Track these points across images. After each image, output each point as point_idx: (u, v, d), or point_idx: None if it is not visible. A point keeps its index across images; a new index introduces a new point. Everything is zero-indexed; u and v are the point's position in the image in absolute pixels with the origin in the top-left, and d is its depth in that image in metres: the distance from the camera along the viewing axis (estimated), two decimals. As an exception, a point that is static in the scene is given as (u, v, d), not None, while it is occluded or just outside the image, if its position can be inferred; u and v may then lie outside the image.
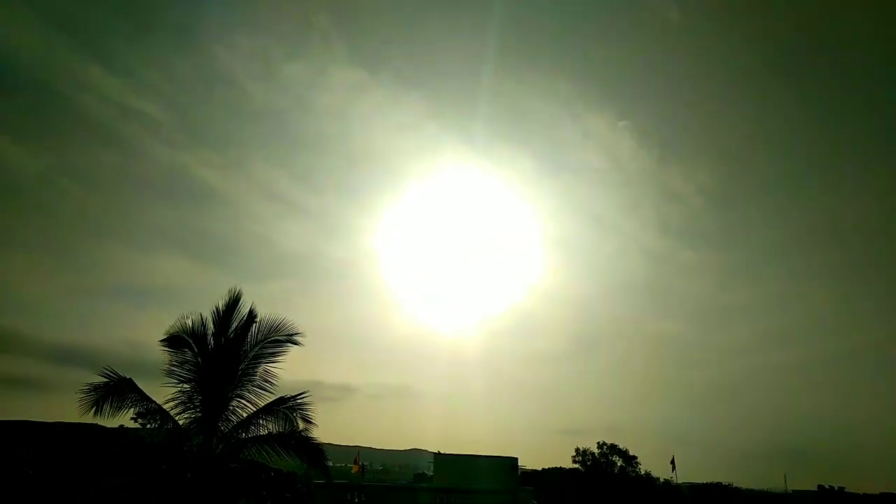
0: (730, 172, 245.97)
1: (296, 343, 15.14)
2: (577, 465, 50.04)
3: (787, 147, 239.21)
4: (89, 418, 13.47)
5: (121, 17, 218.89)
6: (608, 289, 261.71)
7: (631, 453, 50.62)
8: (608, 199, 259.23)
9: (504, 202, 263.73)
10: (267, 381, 14.96)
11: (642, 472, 49.79)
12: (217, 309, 15.09)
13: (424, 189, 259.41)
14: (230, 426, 14.46)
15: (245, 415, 14.60)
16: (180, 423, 14.26)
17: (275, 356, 15.10)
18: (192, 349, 14.61)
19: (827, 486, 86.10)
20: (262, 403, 14.74)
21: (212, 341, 14.81)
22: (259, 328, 15.06)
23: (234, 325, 15.00)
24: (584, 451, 50.81)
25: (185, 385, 14.44)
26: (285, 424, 14.52)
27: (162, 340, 14.61)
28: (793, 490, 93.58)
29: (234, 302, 15.13)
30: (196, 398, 14.38)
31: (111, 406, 13.61)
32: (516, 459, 39.78)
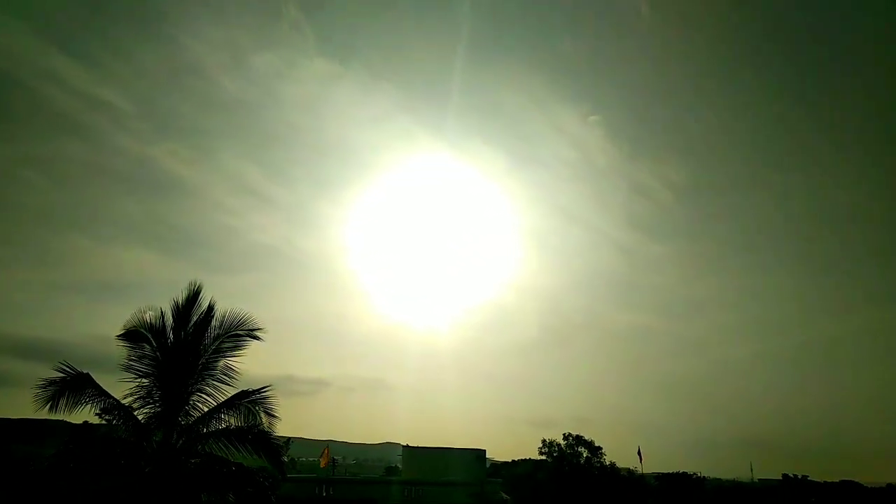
0: (697, 167, 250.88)
1: (256, 338, 15.13)
2: (543, 457, 50.79)
3: (753, 142, 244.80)
4: (44, 414, 13.32)
5: (85, 6, 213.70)
6: (578, 281, 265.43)
7: (596, 444, 51.33)
8: (579, 192, 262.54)
9: (476, 194, 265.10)
10: (227, 375, 14.92)
11: (607, 463, 50.70)
12: (176, 303, 14.99)
13: (396, 181, 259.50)
14: (190, 421, 14.39)
15: (206, 409, 14.54)
16: (139, 418, 14.19)
17: (235, 350, 15.05)
18: (150, 343, 14.49)
19: (791, 475, 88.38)
20: (223, 398, 14.68)
21: (171, 335, 14.69)
22: (219, 322, 15.01)
23: (193, 319, 14.90)
24: (551, 443, 51.15)
25: (144, 380, 14.32)
26: (248, 419, 14.51)
27: (119, 335, 14.50)
28: (759, 479, 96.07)
29: (193, 295, 15.04)
30: (155, 393, 14.27)
31: (67, 402, 13.48)
32: (484, 452, 40.28)
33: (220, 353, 14.95)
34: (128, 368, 14.36)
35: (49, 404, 13.24)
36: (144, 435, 14.09)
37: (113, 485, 13.63)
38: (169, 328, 14.77)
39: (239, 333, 14.99)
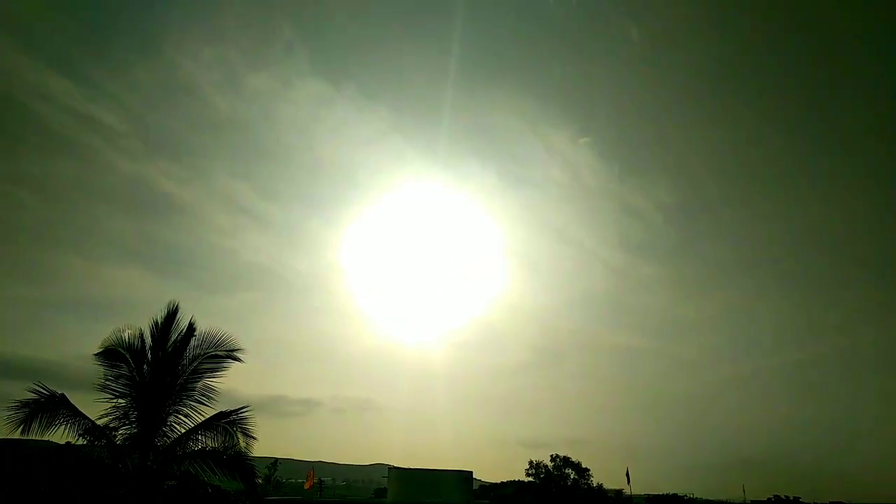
0: (687, 188, 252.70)
1: (236, 359, 15.03)
2: (531, 479, 50.35)
3: (743, 163, 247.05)
4: (17, 435, 13.08)
5: (79, 25, 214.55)
6: (570, 302, 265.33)
7: (584, 466, 51.06)
8: (570, 213, 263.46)
9: (468, 216, 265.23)
10: (206, 395, 14.75)
11: (594, 485, 50.30)
12: (155, 322, 14.89)
13: (389, 202, 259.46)
14: (168, 442, 14.20)
15: (183, 430, 14.35)
16: (115, 439, 13.98)
17: (215, 371, 14.93)
18: (128, 363, 14.32)
19: (783, 497, 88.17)
20: (201, 418, 14.50)
21: (149, 355, 14.56)
22: (199, 342, 14.90)
23: (172, 339, 14.80)
24: (538, 464, 50.96)
25: (121, 400, 14.15)
26: (225, 439, 14.33)
27: (96, 354, 14.34)
28: (751, 500, 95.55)
29: (171, 315, 14.96)
30: (132, 413, 14.09)
31: (40, 424, 13.23)
32: (471, 473, 39.85)
33: (199, 373, 14.80)
34: (104, 388, 14.18)
35: (21, 427, 13.00)
36: (120, 456, 13.87)
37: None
38: (147, 348, 14.63)
39: (218, 354, 14.87)
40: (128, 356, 14.36)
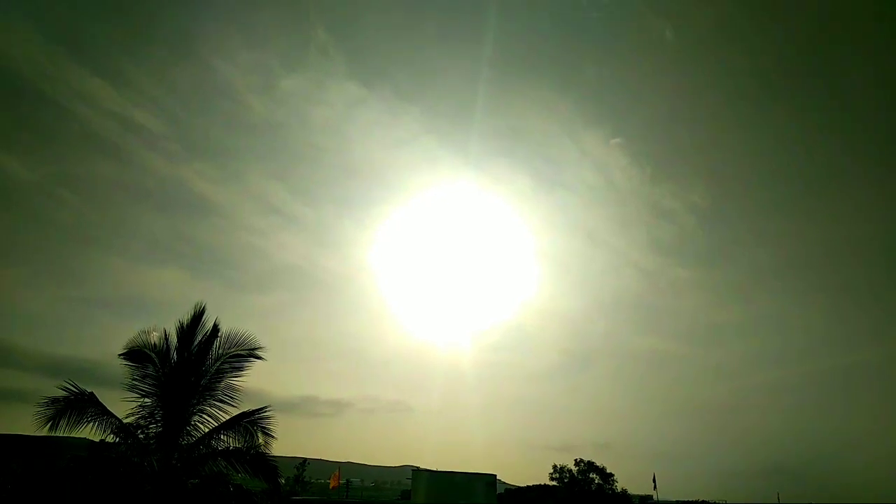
0: (721, 192, 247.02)
1: (258, 357, 15.22)
2: (555, 483, 49.99)
3: (780, 167, 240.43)
4: (45, 432, 13.41)
5: (120, 29, 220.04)
6: (600, 305, 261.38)
7: (608, 471, 50.64)
8: (601, 215, 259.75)
9: (499, 217, 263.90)
10: (229, 395, 14.97)
11: (619, 490, 49.67)
12: (181, 323, 15.13)
13: (420, 203, 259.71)
14: (191, 441, 14.44)
15: (206, 429, 14.58)
16: (141, 437, 14.27)
17: (237, 371, 15.13)
18: (154, 363, 14.59)
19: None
20: (224, 418, 14.73)
21: (175, 356, 14.81)
22: (222, 342, 15.12)
23: (197, 339, 15.01)
24: (562, 469, 50.67)
25: (147, 399, 14.43)
26: (246, 439, 14.52)
27: (122, 354, 14.62)
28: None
29: (197, 316, 15.17)
30: (157, 413, 14.34)
31: (69, 421, 13.54)
32: (494, 476, 39.64)
33: (222, 373, 15.02)
34: (131, 388, 14.48)
35: (50, 423, 13.31)
36: (145, 454, 14.15)
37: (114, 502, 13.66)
38: (173, 348, 14.89)
39: (240, 353, 15.07)
40: (154, 356, 14.62)
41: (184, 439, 14.38)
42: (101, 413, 14.00)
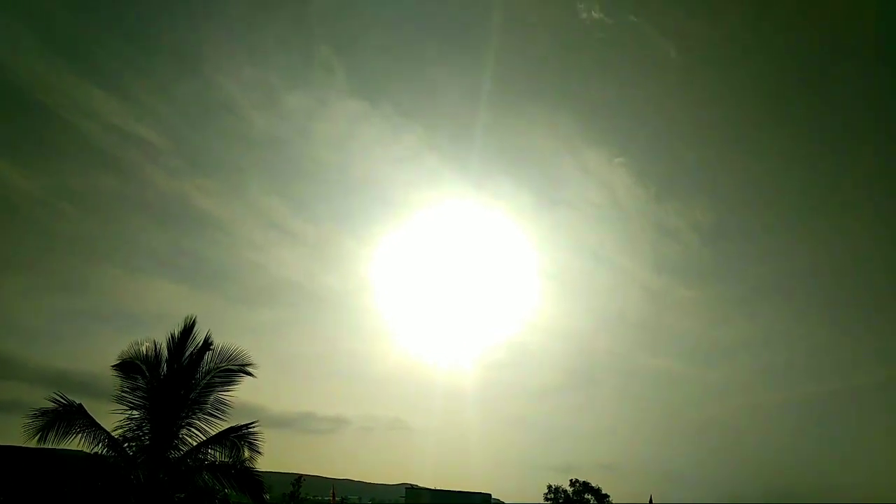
0: (724, 210, 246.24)
1: (248, 373, 15.24)
2: (548, 503, 49.65)
3: (784, 184, 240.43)
4: (34, 443, 13.42)
5: (123, 42, 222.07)
6: (604, 323, 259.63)
7: (604, 492, 50.19)
8: (605, 234, 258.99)
9: (501, 235, 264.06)
10: (218, 409, 14.97)
11: (614, 511, 49.29)
12: (172, 335, 15.16)
13: (421, 220, 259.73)
14: (179, 454, 14.43)
15: (194, 443, 14.57)
16: (128, 450, 14.28)
17: (227, 385, 15.15)
18: (143, 375, 14.61)
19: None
20: (213, 432, 14.71)
21: (164, 368, 14.84)
22: (214, 356, 15.15)
23: (188, 352, 15.03)
24: (557, 489, 50.24)
25: (136, 412, 14.45)
26: (233, 453, 14.50)
27: (114, 365, 14.66)
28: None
29: (188, 329, 15.18)
30: (146, 425, 14.35)
31: (57, 433, 13.51)
32: (489, 495, 39.36)
33: (212, 387, 15.02)
34: (120, 400, 14.50)
35: (39, 435, 13.30)
36: (133, 467, 14.14)
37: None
38: (163, 361, 14.91)
39: (231, 368, 15.10)
40: (144, 368, 14.65)
41: (171, 452, 14.36)
42: (89, 425, 13.97)
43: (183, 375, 14.84)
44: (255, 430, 14.72)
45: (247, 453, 14.29)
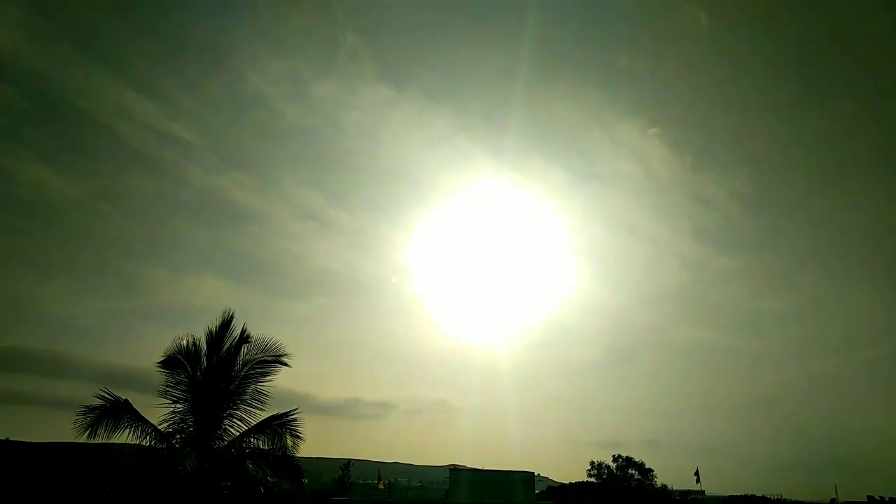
0: (764, 178, 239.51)
1: (283, 364, 15.53)
2: (592, 479, 49.55)
3: (825, 151, 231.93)
4: (84, 439, 13.93)
5: (152, 42, 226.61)
6: (642, 298, 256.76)
7: (648, 466, 50.09)
8: (640, 206, 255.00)
9: (535, 213, 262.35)
10: (258, 399, 15.33)
11: (658, 485, 48.96)
12: (210, 329, 15.57)
13: (455, 202, 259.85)
14: (222, 444, 14.86)
15: (236, 433, 14.97)
16: (174, 442, 14.73)
17: (264, 376, 15.48)
18: (185, 370, 15.04)
19: (877, 497, 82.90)
20: (253, 421, 15.08)
21: (204, 362, 15.26)
22: (250, 348, 15.51)
23: (226, 346, 15.42)
24: (600, 465, 50.27)
25: (179, 405, 14.89)
26: (274, 441, 14.85)
27: (159, 362, 15.11)
28: (843, 501, 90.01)
29: (226, 323, 15.57)
30: (189, 418, 14.80)
31: (106, 428, 14.01)
32: (532, 474, 39.43)
33: (250, 378, 15.39)
34: (164, 394, 14.95)
35: (88, 431, 13.81)
36: (179, 458, 14.61)
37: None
38: (203, 355, 15.34)
39: (266, 359, 15.42)
40: (185, 363, 15.08)
41: (215, 443, 14.78)
42: (136, 420, 14.45)
43: (222, 368, 15.22)
44: (295, 417, 15.01)
45: (289, 440, 14.58)
